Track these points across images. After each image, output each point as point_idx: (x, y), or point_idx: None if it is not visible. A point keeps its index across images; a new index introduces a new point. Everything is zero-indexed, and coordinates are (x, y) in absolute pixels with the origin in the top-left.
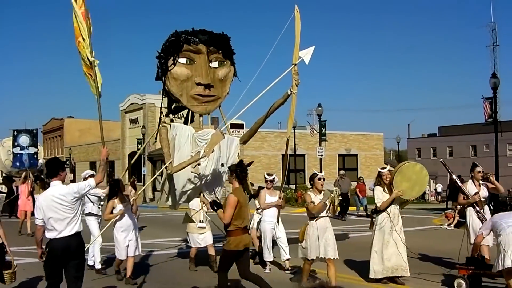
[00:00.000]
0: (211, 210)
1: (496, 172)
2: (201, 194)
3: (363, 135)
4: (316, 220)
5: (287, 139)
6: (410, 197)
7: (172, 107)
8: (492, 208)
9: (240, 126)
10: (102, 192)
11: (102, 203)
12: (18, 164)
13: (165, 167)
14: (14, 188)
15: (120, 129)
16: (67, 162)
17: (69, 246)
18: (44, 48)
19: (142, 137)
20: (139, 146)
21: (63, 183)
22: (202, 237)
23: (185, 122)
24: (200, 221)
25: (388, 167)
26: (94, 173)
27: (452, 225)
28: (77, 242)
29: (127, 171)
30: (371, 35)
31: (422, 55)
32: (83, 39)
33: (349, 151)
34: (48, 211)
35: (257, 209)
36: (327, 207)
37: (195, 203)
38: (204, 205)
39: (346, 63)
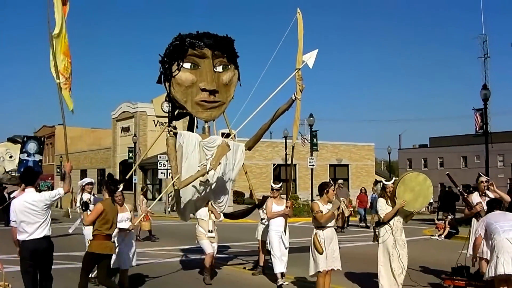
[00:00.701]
0: (220, 219)
1: None
2: (209, 203)
3: (354, 146)
4: (323, 230)
5: (293, 146)
6: (414, 209)
7: (175, 113)
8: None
9: (228, 136)
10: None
11: None
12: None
13: (173, 183)
14: (6, 195)
15: (112, 137)
16: (58, 170)
17: (38, 248)
18: (33, 53)
19: (133, 146)
20: (130, 154)
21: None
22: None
23: (189, 130)
24: (209, 231)
25: (394, 179)
26: (93, 180)
27: (443, 236)
28: (46, 244)
29: (125, 181)
30: (362, 46)
31: (414, 66)
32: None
33: (340, 161)
34: (21, 215)
35: (262, 219)
36: (336, 217)
37: (203, 212)
38: (212, 214)
39: (337, 72)
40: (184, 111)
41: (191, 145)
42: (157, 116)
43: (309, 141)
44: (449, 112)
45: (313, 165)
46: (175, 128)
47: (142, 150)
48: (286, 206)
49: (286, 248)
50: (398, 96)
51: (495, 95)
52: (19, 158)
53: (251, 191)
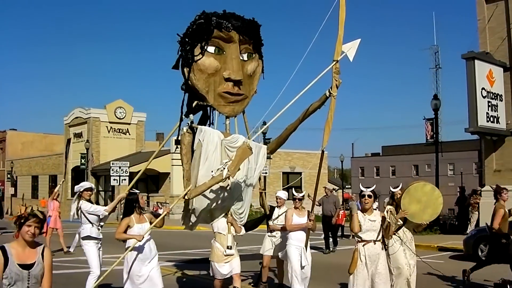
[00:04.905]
0: (241, 234)
1: None
2: (229, 215)
3: (307, 153)
4: (364, 245)
5: (323, 151)
6: (423, 220)
7: (193, 105)
8: None
9: None
10: (104, 210)
11: (102, 223)
12: None
13: (184, 196)
14: None
15: (64, 143)
16: (9, 176)
17: None
18: None
19: (86, 152)
20: (83, 160)
21: None
22: (227, 265)
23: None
24: (227, 247)
25: (401, 186)
26: (93, 186)
27: None
28: None
29: (132, 186)
30: (318, 53)
31: (366, 74)
32: None
33: (293, 169)
34: None
35: (271, 231)
36: (386, 229)
37: (222, 225)
38: (232, 226)
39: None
40: (205, 103)
41: (213, 143)
42: (110, 122)
43: None
44: (401, 122)
45: (266, 173)
46: (192, 122)
47: (94, 157)
48: (309, 219)
49: (303, 267)
50: (351, 105)
51: (446, 105)
52: None
53: (263, 200)
